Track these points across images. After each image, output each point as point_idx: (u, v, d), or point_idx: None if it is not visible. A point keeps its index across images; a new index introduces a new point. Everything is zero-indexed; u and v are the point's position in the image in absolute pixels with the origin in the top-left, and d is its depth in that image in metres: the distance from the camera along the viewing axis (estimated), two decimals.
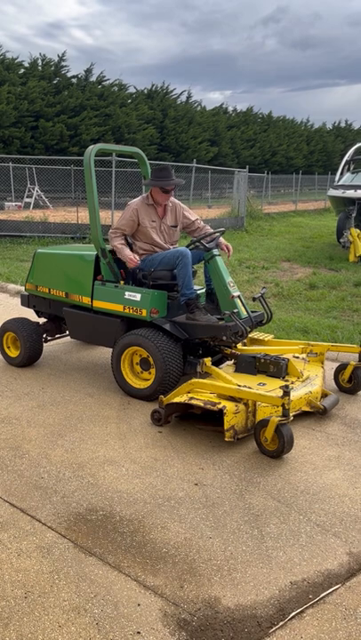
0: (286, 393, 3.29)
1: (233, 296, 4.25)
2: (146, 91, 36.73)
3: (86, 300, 4.54)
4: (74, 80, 32.66)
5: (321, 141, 49.01)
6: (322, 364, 4.48)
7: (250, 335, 4.76)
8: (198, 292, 4.46)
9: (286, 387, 3.34)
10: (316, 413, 4.00)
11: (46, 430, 3.72)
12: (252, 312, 4.42)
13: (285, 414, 3.31)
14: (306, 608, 2.22)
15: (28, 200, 21.39)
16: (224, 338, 4.12)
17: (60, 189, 23.20)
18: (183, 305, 4.34)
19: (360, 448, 3.60)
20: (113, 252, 4.57)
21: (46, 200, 22.03)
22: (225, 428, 3.42)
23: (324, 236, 15.46)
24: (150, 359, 4.14)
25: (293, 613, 2.18)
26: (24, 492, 2.97)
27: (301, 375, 4.14)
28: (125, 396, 4.30)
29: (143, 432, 3.73)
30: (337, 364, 4.60)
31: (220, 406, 3.45)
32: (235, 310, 4.17)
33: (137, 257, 4.41)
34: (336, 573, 2.43)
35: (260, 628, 2.12)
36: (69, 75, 32.65)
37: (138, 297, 4.26)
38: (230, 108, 43.99)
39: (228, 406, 3.46)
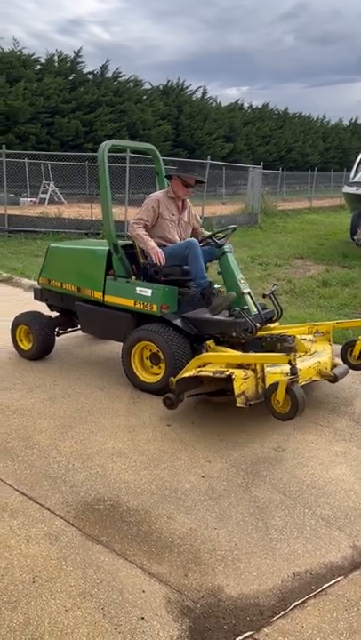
0: (290, 349, 3.32)
1: (243, 293, 4.28)
2: (161, 87, 36.73)
3: (98, 295, 4.60)
4: (90, 76, 32.77)
5: (337, 138, 48.69)
6: (329, 341, 4.49)
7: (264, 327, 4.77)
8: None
9: (292, 339, 3.39)
10: (328, 409, 4.02)
11: (57, 422, 3.79)
12: (263, 309, 4.45)
13: (294, 372, 3.32)
14: (308, 598, 2.25)
15: (43, 196, 21.55)
16: (234, 334, 4.15)
17: (74, 185, 23.29)
18: (199, 296, 4.36)
19: None
20: (125, 247, 4.62)
21: (61, 196, 22.15)
22: (235, 393, 3.45)
23: (338, 234, 15.36)
24: (160, 354, 4.18)
25: (295, 603, 2.22)
26: (34, 482, 3.04)
27: (309, 350, 4.18)
28: (135, 390, 4.35)
29: (152, 425, 3.78)
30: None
31: (228, 373, 3.50)
32: (245, 307, 4.20)
33: (162, 252, 4.36)
34: (339, 566, 2.46)
35: (261, 617, 2.16)
36: (85, 71, 32.79)
37: (149, 292, 4.31)
38: (246, 105, 43.87)
39: (237, 372, 3.51)
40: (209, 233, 4.76)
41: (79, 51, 32.50)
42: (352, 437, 3.71)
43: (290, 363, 3.36)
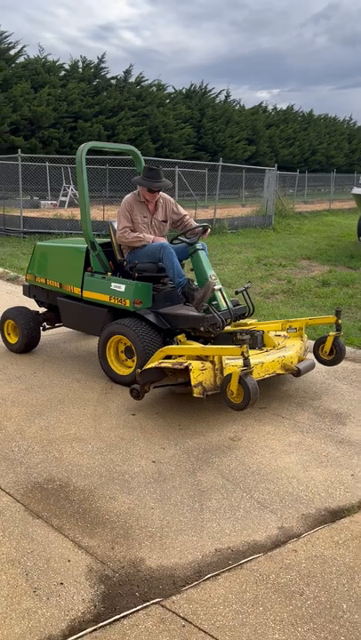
0: (243, 341, 3.45)
1: (214, 289, 4.41)
2: (184, 91, 36.99)
3: (77, 291, 4.79)
4: (113, 81, 33.23)
5: None
6: (301, 337, 4.59)
7: (236, 323, 4.88)
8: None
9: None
10: (294, 402, 4.12)
11: (28, 410, 3.98)
12: (235, 305, 4.57)
13: (247, 364, 3.46)
14: (223, 572, 2.38)
15: (63, 199, 21.97)
16: (202, 328, 4.28)
17: (94, 188, 23.70)
18: (180, 294, 4.52)
19: (324, 435, 3.71)
20: (103, 244, 4.81)
21: None
22: (192, 384, 3.60)
23: (351, 235, 15.29)
24: (133, 347, 4.35)
25: (209, 575, 2.35)
26: None
27: (277, 345, 4.29)
28: (109, 382, 4.52)
29: (117, 414, 3.95)
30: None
31: (185, 364, 3.64)
32: (214, 302, 4.34)
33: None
34: (262, 544, 2.58)
35: (174, 586, 2.29)
36: (109, 76, 33.26)
37: (122, 288, 4.48)
38: (270, 107, 43.84)
39: (194, 364, 3.65)
40: (196, 225, 4.89)
41: (103, 56, 33.04)
42: (310, 429, 3.80)
43: (242, 354, 3.49)
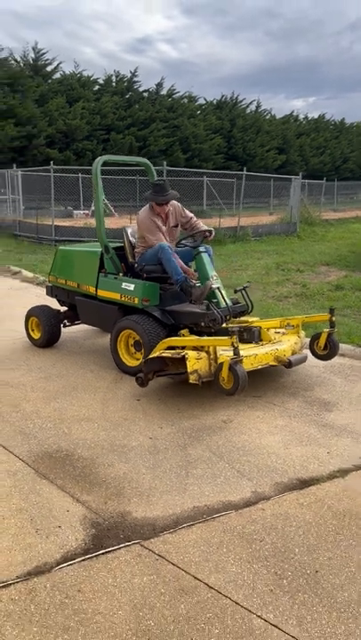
0: (233, 332, 3.84)
1: (213, 288, 4.82)
2: (215, 102, 37.61)
3: (92, 290, 5.27)
4: (145, 94, 34.10)
5: None
6: (298, 334, 4.94)
7: (238, 320, 5.25)
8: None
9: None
10: (287, 392, 4.48)
11: (44, 394, 4.46)
12: (235, 304, 4.97)
13: (236, 353, 3.84)
14: (196, 523, 2.78)
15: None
16: (203, 324, 4.69)
17: (123, 198, 24.39)
18: (180, 292, 4.95)
19: (309, 420, 4.06)
20: (116, 248, 5.29)
21: (112, 209, 23.23)
22: (188, 371, 4.00)
23: None
24: (141, 341, 4.79)
25: (184, 525, 2.75)
26: (10, 436, 3.71)
27: (273, 339, 4.66)
28: (120, 373, 4.97)
29: (123, 399, 4.39)
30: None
31: (183, 354, 4.05)
32: (214, 300, 4.75)
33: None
34: (235, 504, 2.96)
35: (153, 532, 2.70)
36: (141, 89, 34.17)
37: (132, 287, 4.94)
38: (301, 116, 44.07)
39: (190, 353, 4.06)
40: (205, 228, 5.29)
41: (135, 70, 33.96)
42: (297, 415, 4.15)
43: (232, 345, 3.89)
